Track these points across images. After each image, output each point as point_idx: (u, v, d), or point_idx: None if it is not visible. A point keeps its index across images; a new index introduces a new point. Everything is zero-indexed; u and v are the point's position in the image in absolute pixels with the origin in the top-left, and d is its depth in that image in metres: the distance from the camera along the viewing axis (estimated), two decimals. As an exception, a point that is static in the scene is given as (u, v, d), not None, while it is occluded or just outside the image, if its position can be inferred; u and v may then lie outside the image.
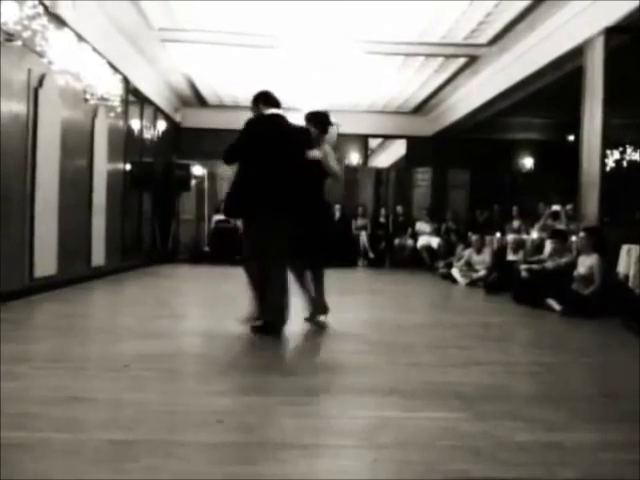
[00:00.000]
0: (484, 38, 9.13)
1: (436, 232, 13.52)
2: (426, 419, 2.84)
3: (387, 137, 15.89)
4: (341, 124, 11.03)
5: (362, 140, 15.28)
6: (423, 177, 14.97)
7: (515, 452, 2.45)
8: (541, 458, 2.39)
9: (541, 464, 2.33)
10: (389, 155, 16.79)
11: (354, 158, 15.18)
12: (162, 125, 12.76)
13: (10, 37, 5.85)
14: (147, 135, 11.83)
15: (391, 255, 13.69)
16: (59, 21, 7.01)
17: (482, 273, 9.56)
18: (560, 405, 3.14)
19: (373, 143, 16.10)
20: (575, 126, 8.05)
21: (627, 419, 2.93)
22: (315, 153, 5.03)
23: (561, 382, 3.71)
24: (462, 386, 3.43)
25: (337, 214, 13.45)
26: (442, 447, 2.48)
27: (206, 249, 13.36)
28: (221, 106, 14.00)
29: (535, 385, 3.66)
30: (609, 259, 6.37)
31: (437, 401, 3.14)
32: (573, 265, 6.95)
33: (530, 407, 3.09)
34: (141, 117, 11.30)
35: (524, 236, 9.74)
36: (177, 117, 13.99)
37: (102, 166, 8.99)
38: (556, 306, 6.70)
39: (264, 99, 4.91)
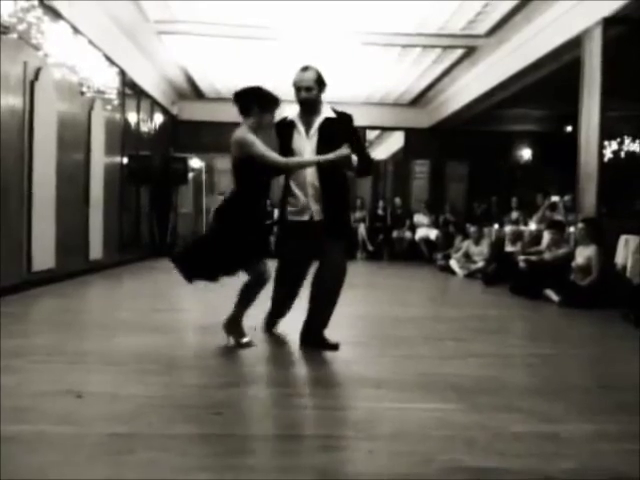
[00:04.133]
0: (481, 29, 9.09)
1: (434, 224, 13.52)
2: (422, 410, 2.85)
3: (385, 129, 15.84)
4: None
5: (360, 132, 15.24)
6: (421, 169, 14.96)
7: (511, 443, 2.45)
8: (537, 449, 2.40)
9: (537, 455, 2.34)
10: (387, 147, 16.74)
11: (352, 150, 15.14)
12: (159, 118, 12.72)
13: (5, 30, 5.82)
14: (144, 128, 11.79)
15: (389, 247, 13.70)
16: (54, 13, 6.98)
17: (480, 264, 9.58)
18: (556, 396, 3.14)
19: (371, 135, 16.05)
20: (573, 117, 8.04)
21: (623, 410, 2.94)
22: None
23: (558, 373, 3.71)
24: (458, 378, 3.44)
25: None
26: (438, 438, 2.49)
27: (204, 242, 13.33)
28: (218, 99, 13.93)
29: (531, 377, 3.66)
30: (607, 250, 6.38)
31: (433, 393, 3.14)
32: (571, 256, 6.96)
33: (526, 399, 3.09)
34: (138, 110, 11.26)
35: (522, 227, 9.74)
36: (174, 110, 13.94)
37: (99, 159, 8.96)
38: (554, 297, 6.71)
39: None
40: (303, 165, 3.93)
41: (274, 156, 3.88)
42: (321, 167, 3.89)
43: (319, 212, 3.99)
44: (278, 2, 8.16)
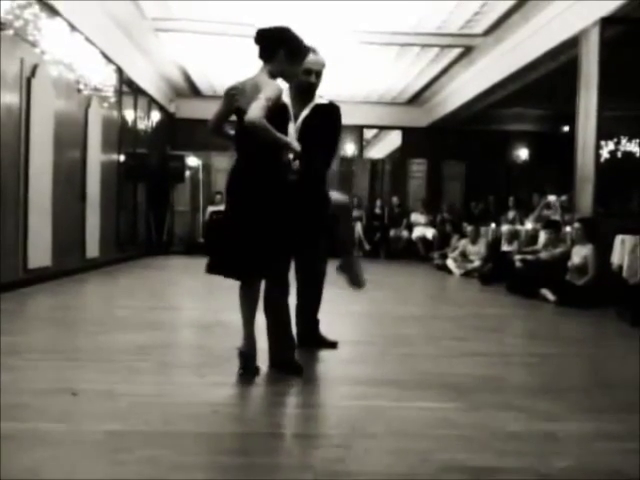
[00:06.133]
0: (479, 28, 9.11)
1: (431, 223, 13.54)
2: (421, 409, 2.85)
3: (382, 128, 15.86)
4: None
5: (357, 131, 15.25)
6: (418, 168, 14.99)
7: (509, 442, 2.45)
8: (535, 448, 2.40)
9: (535, 454, 2.33)
10: (384, 146, 16.75)
11: (349, 149, 15.16)
12: (156, 116, 12.70)
13: (2, 26, 5.80)
14: (141, 126, 11.77)
15: (386, 246, 13.71)
16: (51, 10, 6.95)
17: (477, 264, 9.59)
18: (554, 395, 3.14)
19: (368, 134, 16.06)
20: (570, 117, 8.05)
21: (621, 409, 2.94)
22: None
23: (555, 372, 3.72)
24: (457, 377, 3.44)
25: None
26: (436, 436, 2.48)
27: (201, 240, 13.35)
28: (216, 97, 13.91)
29: (530, 375, 3.66)
30: (603, 249, 6.39)
31: (432, 391, 3.14)
32: (567, 255, 6.98)
33: (525, 397, 3.09)
34: (135, 108, 11.23)
35: (519, 227, 9.75)
36: (171, 108, 13.92)
37: (96, 157, 8.94)
38: (550, 296, 6.72)
39: None
40: (274, 137, 3.10)
41: (260, 112, 2.97)
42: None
43: None
44: (276, 0, 8.15)
